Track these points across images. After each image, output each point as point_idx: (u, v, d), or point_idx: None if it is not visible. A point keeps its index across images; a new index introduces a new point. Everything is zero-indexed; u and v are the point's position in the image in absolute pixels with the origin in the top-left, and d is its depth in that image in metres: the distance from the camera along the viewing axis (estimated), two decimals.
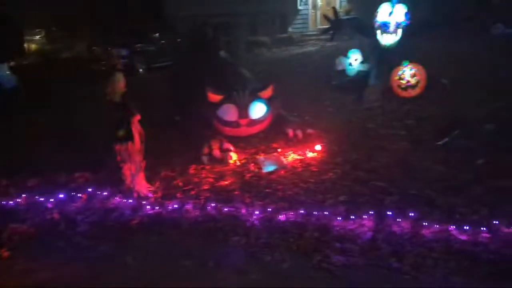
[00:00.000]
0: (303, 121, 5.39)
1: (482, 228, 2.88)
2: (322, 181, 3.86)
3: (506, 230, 2.87)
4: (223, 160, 4.32)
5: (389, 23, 6.23)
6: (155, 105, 6.26)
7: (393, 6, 6.20)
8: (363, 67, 6.72)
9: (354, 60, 6.74)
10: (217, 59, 5.41)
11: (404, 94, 6.06)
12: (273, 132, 4.96)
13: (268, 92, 4.79)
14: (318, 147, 4.51)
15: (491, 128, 4.28)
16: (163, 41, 11.74)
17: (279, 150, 4.58)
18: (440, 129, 4.68)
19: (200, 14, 11.97)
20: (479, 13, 10.88)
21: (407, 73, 6.02)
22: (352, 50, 6.84)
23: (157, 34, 11.92)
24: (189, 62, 5.54)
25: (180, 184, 3.93)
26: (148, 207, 3.54)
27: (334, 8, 7.33)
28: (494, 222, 2.92)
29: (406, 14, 6.26)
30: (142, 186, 3.73)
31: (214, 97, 4.67)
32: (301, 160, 4.34)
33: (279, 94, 5.84)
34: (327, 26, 6.95)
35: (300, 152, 4.51)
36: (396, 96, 6.06)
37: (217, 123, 4.71)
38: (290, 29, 13.71)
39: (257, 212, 3.36)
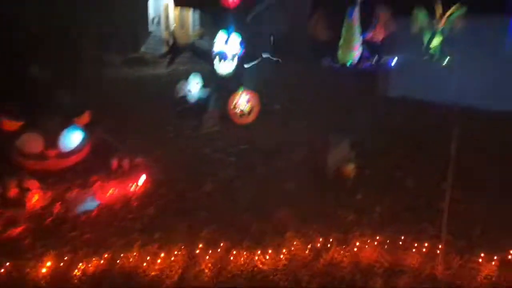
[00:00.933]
0: (136, 149, 5.00)
1: None
2: (141, 217, 3.56)
3: None
4: (20, 202, 3.56)
5: (225, 52, 6.49)
6: None
7: (228, 35, 6.50)
8: (203, 93, 6.78)
9: (195, 84, 6.75)
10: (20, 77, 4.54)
11: (240, 120, 6.34)
12: (95, 164, 4.41)
13: (84, 118, 4.26)
14: (143, 178, 4.18)
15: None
16: None
17: (97, 184, 4.06)
18: (265, 154, 5.00)
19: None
20: (313, 47, 12.65)
21: (242, 100, 6.33)
22: (193, 74, 6.86)
23: None
24: None
25: None
26: None
27: (172, 32, 7.30)
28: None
29: (241, 43, 6.65)
30: None
31: (10, 125, 3.86)
32: (122, 195, 3.94)
33: (119, 119, 5.27)
34: (165, 51, 6.83)
35: (122, 185, 4.09)
36: (234, 122, 6.30)
37: (16, 156, 3.90)
38: (143, 49, 13.20)
39: (48, 264, 2.80)
